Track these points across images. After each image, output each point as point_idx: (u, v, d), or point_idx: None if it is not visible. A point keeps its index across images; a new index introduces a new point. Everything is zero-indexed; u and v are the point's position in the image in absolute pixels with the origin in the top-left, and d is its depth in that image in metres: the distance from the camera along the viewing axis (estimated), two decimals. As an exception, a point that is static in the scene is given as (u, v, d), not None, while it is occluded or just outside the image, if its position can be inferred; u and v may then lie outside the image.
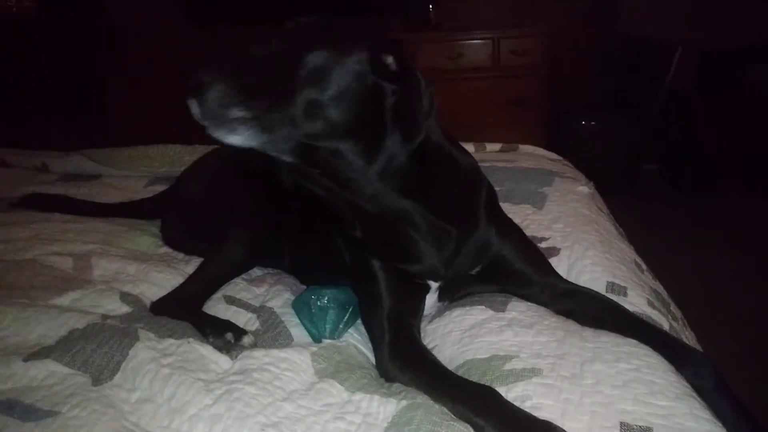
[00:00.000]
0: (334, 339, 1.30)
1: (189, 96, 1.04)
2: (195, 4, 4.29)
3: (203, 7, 4.30)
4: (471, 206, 1.37)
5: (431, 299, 1.38)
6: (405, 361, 1.20)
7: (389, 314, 1.28)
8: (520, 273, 1.39)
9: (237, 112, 1.04)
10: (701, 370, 1.15)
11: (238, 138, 1.06)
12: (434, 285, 1.36)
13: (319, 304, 1.31)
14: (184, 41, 4.28)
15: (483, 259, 1.38)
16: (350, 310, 1.34)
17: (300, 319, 1.36)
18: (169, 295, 1.45)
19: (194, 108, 1.04)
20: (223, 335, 1.27)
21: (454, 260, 1.34)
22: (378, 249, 1.33)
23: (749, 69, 4.10)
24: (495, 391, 1.06)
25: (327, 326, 1.30)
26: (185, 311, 1.36)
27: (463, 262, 1.36)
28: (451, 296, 1.41)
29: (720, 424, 1.02)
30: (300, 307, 1.36)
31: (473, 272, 1.39)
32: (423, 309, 1.37)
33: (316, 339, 1.31)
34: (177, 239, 1.77)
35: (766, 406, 2.00)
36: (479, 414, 1.03)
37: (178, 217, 1.78)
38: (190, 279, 1.49)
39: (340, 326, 1.32)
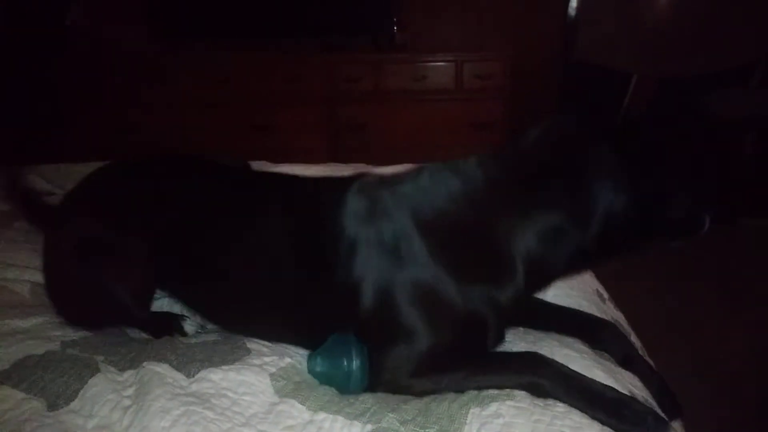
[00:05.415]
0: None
1: None
2: (163, 20, 4.26)
3: (171, 23, 4.27)
4: None
5: None
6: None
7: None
8: None
9: None
10: (617, 341, 1.31)
11: None
12: None
13: (355, 362, 1.18)
14: (146, 56, 4.23)
15: None
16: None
17: (328, 372, 1.21)
18: None
19: None
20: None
21: None
22: None
23: (704, 97, 4.23)
24: (542, 354, 1.14)
25: (361, 383, 1.19)
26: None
27: None
28: None
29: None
30: (332, 358, 1.20)
31: None
32: None
33: (345, 392, 1.19)
34: None
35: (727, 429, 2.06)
36: (536, 373, 1.10)
37: None
38: None
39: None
